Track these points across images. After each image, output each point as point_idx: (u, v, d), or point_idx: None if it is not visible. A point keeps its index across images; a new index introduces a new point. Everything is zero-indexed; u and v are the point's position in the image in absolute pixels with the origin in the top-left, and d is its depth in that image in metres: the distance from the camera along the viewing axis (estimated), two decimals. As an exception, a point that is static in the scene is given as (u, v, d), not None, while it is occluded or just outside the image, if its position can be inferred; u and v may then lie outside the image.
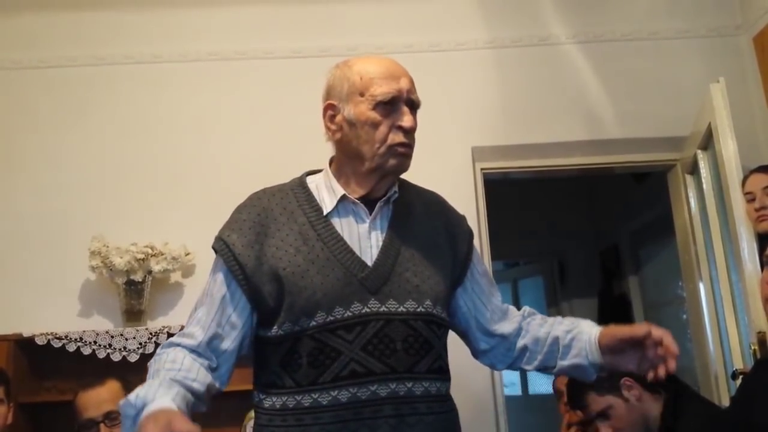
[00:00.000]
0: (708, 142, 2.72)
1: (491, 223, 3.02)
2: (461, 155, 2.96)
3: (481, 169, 3.03)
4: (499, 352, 1.51)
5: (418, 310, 1.33)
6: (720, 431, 1.82)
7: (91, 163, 2.92)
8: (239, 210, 1.41)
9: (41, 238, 2.82)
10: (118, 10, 3.09)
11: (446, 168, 2.87)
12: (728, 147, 2.47)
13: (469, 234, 1.52)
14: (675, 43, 3.09)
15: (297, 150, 2.86)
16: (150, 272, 2.67)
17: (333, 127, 1.39)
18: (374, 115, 1.34)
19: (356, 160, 1.38)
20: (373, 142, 1.34)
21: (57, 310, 2.72)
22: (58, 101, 2.99)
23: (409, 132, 1.36)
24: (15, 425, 2.23)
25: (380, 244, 1.37)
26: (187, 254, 2.75)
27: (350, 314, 1.29)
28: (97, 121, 2.97)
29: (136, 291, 2.67)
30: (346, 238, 1.35)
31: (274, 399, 1.32)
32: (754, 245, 2.34)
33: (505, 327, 1.50)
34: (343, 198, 1.38)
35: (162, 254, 2.68)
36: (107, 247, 2.65)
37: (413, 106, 1.39)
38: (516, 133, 3.00)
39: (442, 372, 1.37)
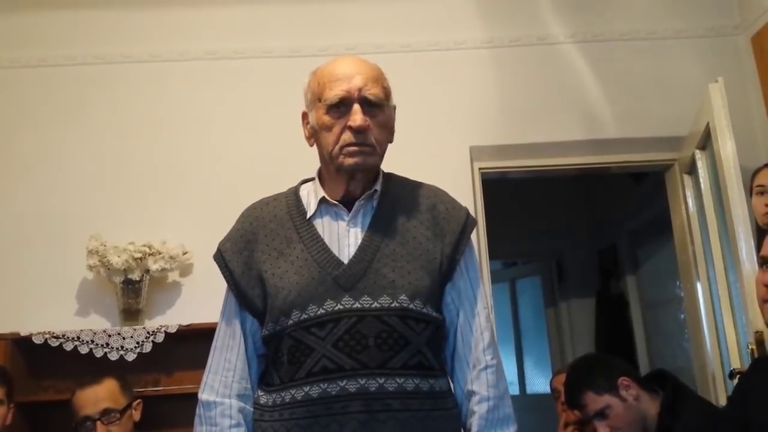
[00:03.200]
0: (706, 141, 2.71)
1: (489, 223, 3.02)
2: (459, 155, 2.96)
3: (479, 168, 3.03)
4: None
5: (393, 305, 1.33)
6: (717, 430, 1.82)
7: (89, 162, 2.91)
8: (238, 219, 1.49)
9: (38, 237, 2.81)
10: (116, 8, 3.08)
11: (444, 167, 2.86)
12: (726, 147, 2.47)
13: (462, 226, 1.44)
14: (673, 42, 3.09)
15: (295, 149, 2.84)
16: (148, 271, 2.67)
17: (307, 134, 1.46)
18: (327, 119, 1.38)
19: (326, 164, 1.44)
20: (329, 144, 1.38)
21: (54, 309, 2.72)
22: (56, 100, 2.99)
23: (359, 131, 1.35)
24: (12, 425, 2.23)
25: (359, 241, 1.38)
26: (185, 253, 2.74)
27: (323, 311, 1.32)
28: (95, 120, 2.96)
29: (134, 290, 2.67)
30: (326, 238, 1.39)
31: (267, 396, 1.37)
32: (752, 245, 2.34)
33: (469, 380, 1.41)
34: (324, 200, 1.43)
35: (160, 253, 2.68)
36: (105, 246, 2.64)
37: (370, 104, 1.38)
38: (514, 133, 3.00)
39: (422, 368, 1.34)
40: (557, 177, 3.80)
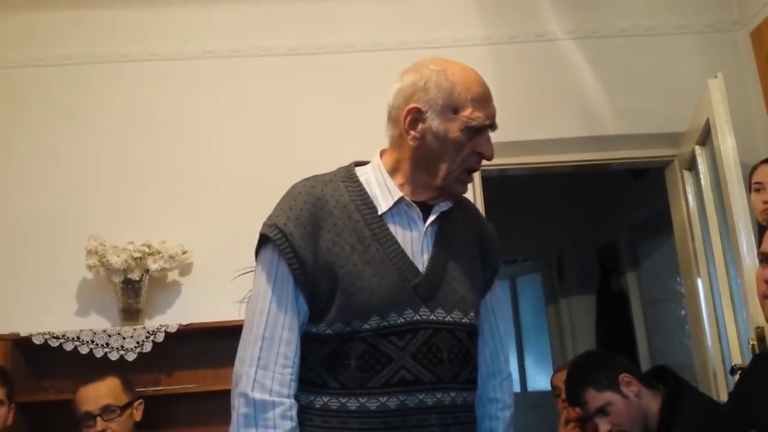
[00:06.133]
0: (706, 137, 2.71)
1: (489, 220, 2.99)
2: (459, 152, 2.95)
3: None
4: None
5: (464, 320, 1.34)
6: (718, 426, 1.82)
7: (88, 162, 2.91)
8: (293, 197, 1.32)
9: (38, 238, 2.81)
10: (113, 8, 3.07)
11: (444, 165, 2.86)
12: (726, 142, 2.46)
13: (499, 247, 1.52)
14: (672, 38, 3.09)
15: (294, 147, 2.87)
16: (147, 271, 2.66)
17: (414, 133, 1.33)
18: (462, 138, 1.31)
19: (425, 172, 1.35)
20: (452, 163, 1.33)
21: (54, 309, 2.71)
22: (54, 100, 2.98)
23: (489, 160, 1.36)
24: (12, 425, 2.22)
25: (430, 250, 1.35)
26: (184, 253, 2.73)
27: (403, 321, 1.27)
28: (93, 119, 2.96)
29: (133, 290, 2.67)
30: (399, 241, 1.32)
31: (312, 397, 1.28)
32: (753, 240, 2.33)
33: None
34: (401, 200, 1.35)
35: (159, 253, 2.67)
36: (104, 245, 2.64)
37: (492, 130, 1.37)
38: (513, 130, 2.98)
39: (474, 382, 1.39)
40: (557, 174, 3.79)
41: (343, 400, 1.25)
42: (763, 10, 2.87)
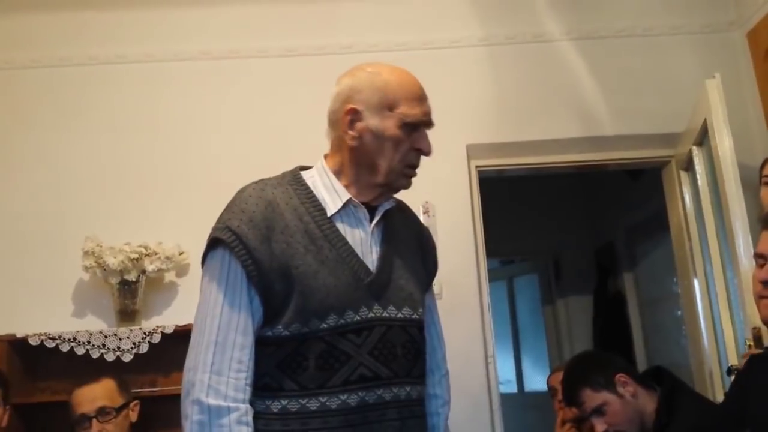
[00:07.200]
0: (703, 138, 2.71)
1: (486, 221, 3.01)
2: (456, 153, 2.95)
3: (476, 166, 3.02)
4: None
5: (413, 317, 1.39)
6: (713, 426, 1.82)
7: (85, 163, 2.90)
8: (244, 200, 1.34)
9: (34, 239, 2.80)
10: (111, 9, 3.07)
11: (441, 166, 2.85)
12: (723, 143, 2.46)
13: (435, 246, 1.59)
14: (669, 39, 3.09)
15: (290, 148, 2.85)
16: (144, 272, 2.66)
17: (353, 133, 1.38)
18: (399, 134, 1.37)
19: (367, 171, 1.39)
20: (392, 159, 1.37)
21: (50, 310, 2.71)
22: (52, 101, 2.97)
23: (427, 155, 1.40)
24: (8, 426, 2.22)
25: (378, 250, 1.39)
26: (181, 254, 2.74)
27: (359, 318, 1.30)
28: (90, 121, 2.95)
29: (130, 291, 2.66)
30: (349, 241, 1.36)
31: (268, 402, 1.28)
32: (750, 241, 2.33)
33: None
34: (347, 201, 1.38)
35: (156, 254, 2.67)
36: (101, 247, 2.64)
37: (429, 127, 1.43)
38: (511, 131, 2.99)
39: (424, 376, 1.44)
40: (554, 174, 3.80)
41: (303, 401, 1.26)
42: (760, 10, 2.88)
